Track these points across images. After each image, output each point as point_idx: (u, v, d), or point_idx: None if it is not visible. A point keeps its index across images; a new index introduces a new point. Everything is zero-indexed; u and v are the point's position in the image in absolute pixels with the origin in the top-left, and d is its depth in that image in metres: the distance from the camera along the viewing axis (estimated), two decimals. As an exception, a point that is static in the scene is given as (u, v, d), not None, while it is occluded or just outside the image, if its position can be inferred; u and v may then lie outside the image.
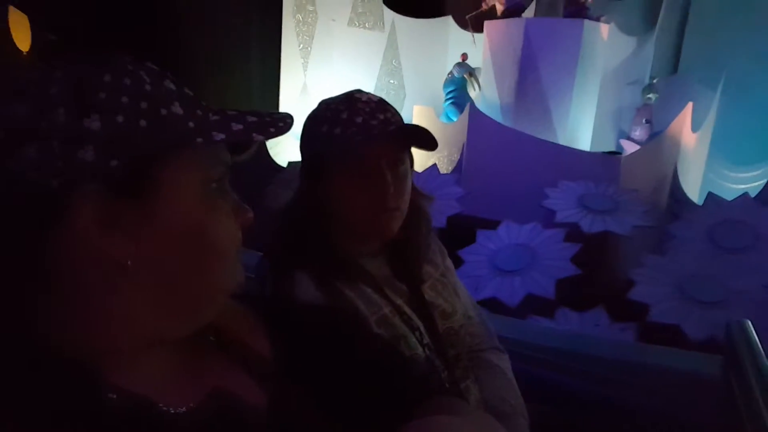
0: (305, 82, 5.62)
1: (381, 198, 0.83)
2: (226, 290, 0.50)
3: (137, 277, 0.43)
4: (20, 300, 0.42)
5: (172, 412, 0.45)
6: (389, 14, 5.66)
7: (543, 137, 3.66)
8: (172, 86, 0.45)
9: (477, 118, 3.62)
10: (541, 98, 3.72)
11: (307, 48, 5.60)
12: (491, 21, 3.96)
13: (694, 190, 3.91)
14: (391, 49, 5.72)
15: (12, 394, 0.40)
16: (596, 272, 2.86)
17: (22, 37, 3.71)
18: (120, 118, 0.41)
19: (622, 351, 1.35)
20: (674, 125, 3.49)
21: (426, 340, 0.89)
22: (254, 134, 0.47)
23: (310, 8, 5.46)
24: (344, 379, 0.56)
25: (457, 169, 3.90)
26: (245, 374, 0.53)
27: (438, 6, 6.01)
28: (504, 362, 1.04)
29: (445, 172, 3.91)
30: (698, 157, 3.96)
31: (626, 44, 4.21)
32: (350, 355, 0.59)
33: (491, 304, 2.68)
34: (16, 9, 3.68)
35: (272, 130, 0.48)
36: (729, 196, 3.19)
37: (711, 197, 3.24)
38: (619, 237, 3.07)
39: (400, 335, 0.87)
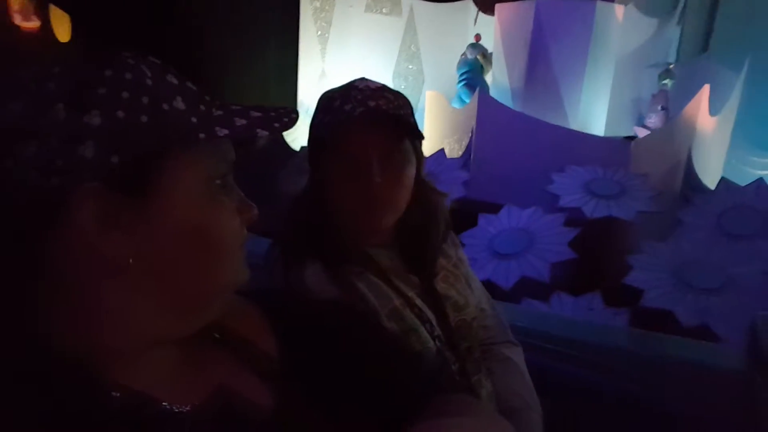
0: (323, 69, 5.69)
1: (366, 188, 0.81)
2: (229, 288, 0.49)
3: (139, 275, 0.42)
4: (22, 299, 0.41)
5: (176, 410, 0.45)
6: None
7: (554, 122, 3.62)
8: (175, 81, 0.44)
9: (486, 103, 3.61)
10: (552, 83, 3.67)
11: (325, 35, 5.66)
12: (502, 3, 3.91)
13: (715, 175, 3.79)
14: (409, 34, 5.71)
15: (15, 393, 0.40)
16: (596, 257, 2.84)
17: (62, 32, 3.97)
18: (121, 114, 0.40)
19: (641, 342, 1.32)
20: (688, 109, 3.39)
21: (437, 332, 0.88)
22: (258, 130, 0.46)
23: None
24: (352, 376, 0.55)
25: (467, 153, 3.90)
26: (250, 372, 0.52)
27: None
28: (517, 355, 1.03)
29: (454, 156, 3.93)
30: (719, 142, 3.84)
31: (646, 26, 4.08)
32: (359, 350, 0.58)
33: (486, 287, 2.70)
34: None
35: (277, 125, 0.47)
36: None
37: (723, 183, 3.16)
38: (624, 222, 3.04)
39: (410, 328, 0.86)
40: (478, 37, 4.24)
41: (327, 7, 5.59)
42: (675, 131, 3.37)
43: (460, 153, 4.00)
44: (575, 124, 3.74)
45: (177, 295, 0.45)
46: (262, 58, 5.36)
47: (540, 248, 2.68)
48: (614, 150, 3.38)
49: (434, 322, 0.88)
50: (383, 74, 5.66)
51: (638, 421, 1.18)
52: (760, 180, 2.99)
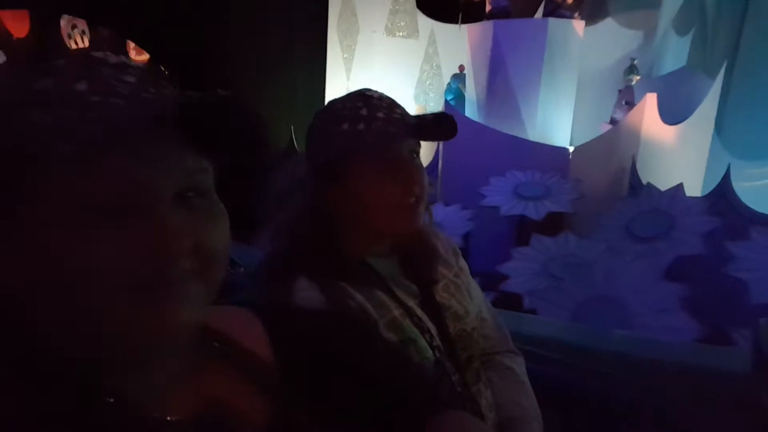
0: (348, 87, 6.32)
1: (408, 189, 0.82)
2: (128, 339, 0.41)
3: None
4: (22, 298, 0.40)
5: (168, 420, 0.44)
6: (427, 22, 6.11)
7: (512, 132, 3.88)
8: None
9: (451, 114, 3.99)
10: (510, 96, 3.92)
11: (350, 57, 6.31)
12: (472, 24, 4.25)
13: (695, 183, 3.77)
14: (429, 55, 6.16)
15: (10, 393, 0.40)
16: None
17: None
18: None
19: (644, 348, 1.30)
20: (631, 117, 3.48)
21: (436, 342, 0.87)
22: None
23: (353, 21, 6.18)
24: (350, 389, 0.54)
25: (434, 161, 4.28)
26: (248, 384, 0.51)
27: (477, 12, 6.29)
28: (518, 365, 1.02)
29: (425, 163, 4.33)
30: (691, 150, 3.81)
31: (624, 39, 4.18)
32: (357, 363, 0.56)
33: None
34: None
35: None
36: (740, 191, 3.12)
37: (648, 188, 3.22)
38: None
39: (409, 338, 0.85)
40: (462, 67, 4.59)
41: (351, 33, 6.25)
42: (616, 140, 3.47)
43: (430, 158, 4.39)
44: (533, 133, 3.95)
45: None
46: (292, 78, 6.15)
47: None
48: (554, 157, 3.57)
49: (434, 332, 0.88)
50: (405, 93, 6.15)
51: (642, 429, 1.17)
52: (679, 185, 3.04)
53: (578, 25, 3.89)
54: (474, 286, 1.02)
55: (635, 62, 3.79)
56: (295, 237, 0.89)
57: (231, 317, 0.56)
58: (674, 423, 1.15)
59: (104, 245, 0.38)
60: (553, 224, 3.38)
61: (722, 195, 3.17)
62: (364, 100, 0.84)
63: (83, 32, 8.13)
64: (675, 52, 4.51)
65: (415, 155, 0.85)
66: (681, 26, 4.52)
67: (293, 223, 0.91)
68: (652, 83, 4.02)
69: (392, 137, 0.81)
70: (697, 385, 1.16)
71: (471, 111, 4.32)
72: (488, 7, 4.18)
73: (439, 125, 0.82)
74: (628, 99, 3.83)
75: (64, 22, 7.90)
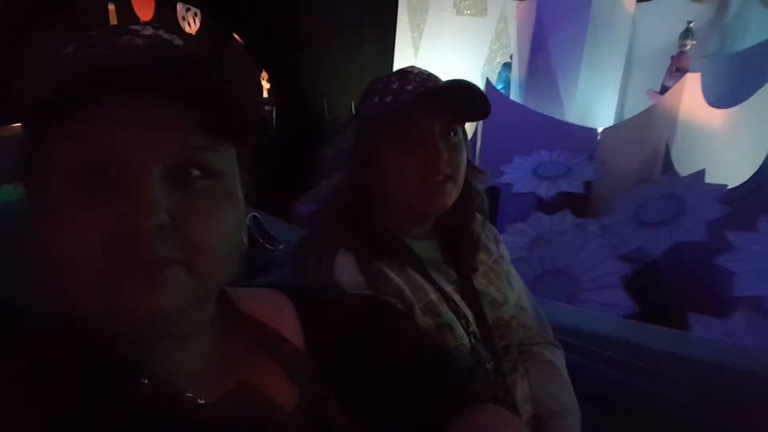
0: (416, 65, 6.38)
1: (432, 165, 0.80)
2: (104, 319, 0.39)
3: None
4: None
5: (199, 402, 0.45)
6: (497, 0, 5.99)
7: (550, 111, 3.83)
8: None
9: (490, 92, 4.04)
10: (550, 74, 3.83)
11: (419, 35, 6.41)
12: (521, 2, 4.18)
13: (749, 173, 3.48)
14: (499, 32, 6.05)
15: (47, 373, 0.40)
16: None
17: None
18: None
19: (691, 347, 1.24)
20: (666, 99, 3.27)
21: (473, 329, 0.85)
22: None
23: (423, 2, 6.25)
24: (382, 376, 0.52)
25: (473, 138, 4.35)
26: (278, 368, 0.51)
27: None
28: (558, 357, 1.00)
29: (465, 140, 4.42)
30: (746, 136, 3.50)
31: (685, 13, 3.87)
32: (389, 349, 0.55)
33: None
34: None
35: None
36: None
37: (669, 173, 3.05)
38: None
39: (445, 324, 0.83)
40: (512, 56, 4.53)
41: (421, 12, 6.35)
42: (648, 123, 3.30)
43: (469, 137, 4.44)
44: (571, 114, 3.84)
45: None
46: (361, 55, 6.42)
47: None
48: (582, 137, 3.49)
49: (470, 318, 0.86)
50: (472, 72, 6.14)
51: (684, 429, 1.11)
52: (700, 172, 2.85)
53: (628, 0, 3.69)
54: (514, 274, 1.01)
55: (691, 25, 3.51)
56: (333, 214, 0.88)
57: (263, 299, 0.55)
58: (719, 425, 1.07)
59: (77, 218, 0.36)
60: (577, 205, 3.36)
61: (760, 183, 2.93)
62: (400, 74, 0.84)
63: (195, 14, 9.14)
64: (763, 26, 4.05)
65: (452, 133, 0.83)
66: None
67: (332, 200, 0.91)
68: (716, 62, 3.71)
69: (416, 108, 0.79)
70: (746, 390, 1.09)
71: (515, 91, 4.30)
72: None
73: (462, 94, 0.79)
74: (680, 66, 3.57)
75: (180, 6, 8.95)
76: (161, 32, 0.41)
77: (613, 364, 1.16)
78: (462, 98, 0.80)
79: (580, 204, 3.41)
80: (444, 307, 0.84)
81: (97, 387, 0.41)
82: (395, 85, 0.82)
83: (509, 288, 0.95)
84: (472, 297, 0.89)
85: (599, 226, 2.56)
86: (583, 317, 1.31)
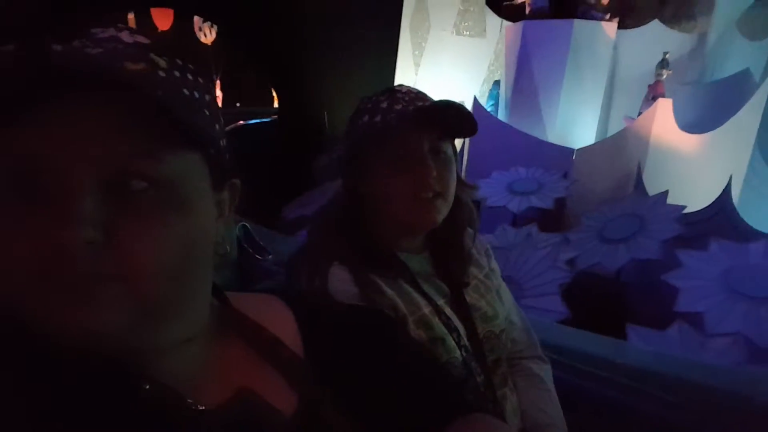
0: (416, 82, 6.63)
1: (422, 182, 0.82)
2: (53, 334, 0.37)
3: None
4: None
5: (200, 408, 0.44)
6: (497, 20, 6.18)
7: (532, 130, 3.99)
8: None
9: (479, 111, 4.21)
10: (533, 95, 4.00)
11: (419, 53, 6.61)
12: (510, 24, 4.36)
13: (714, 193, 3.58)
14: (498, 55, 6.24)
15: (46, 378, 0.40)
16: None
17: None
18: None
19: (674, 366, 1.25)
20: (639, 122, 3.40)
21: (464, 342, 0.87)
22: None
23: (424, 18, 6.46)
24: (375, 386, 0.52)
25: (460, 153, 4.50)
26: (277, 374, 0.51)
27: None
28: (546, 372, 1.01)
29: (453, 156, 4.58)
30: (719, 161, 3.62)
31: (669, 42, 4.02)
32: (384, 359, 0.55)
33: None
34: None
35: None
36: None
37: (635, 193, 3.17)
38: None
39: (438, 337, 0.84)
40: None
41: (422, 31, 6.57)
42: (621, 144, 3.44)
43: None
44: (553, 133, 4.00)
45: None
46: (362, 71, 6.63)
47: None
48: (558, 156, 3.62)
49: (462, 332, 0.87)
50: (470, 90, 6.31)
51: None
52: (664, 193, 2.97)
53: (609, 27, 3.84)
54: (504, 288, 1.02)
55: (667, 56, 3.66)
56: (328, 227, 0.90)
57: (261, 304, 0.55)
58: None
59: (6, 230, 0.35)
60: (552, 222, 3.49)
61: (722, 207, 3.04)
62: (389, 94, 0.85)
63: (211, 25, 9.53)
64: (743, 57, 4.18)
65: (441, 150, 0.84)
66: (753, 31, 4.17)
67: (328, 214, 0.92)
68: (692, 90, 3.84)
69: (405, 128, 0.80)
70: (734, 410, 1.09)
71: (501, 110, 4.47)
72: (527, 9, 4.29)
73: (450, 113, 0.81)
74: (656, 94, 3.72)
75: (197, 17, 9.36)
76: (123, 33, 0.40)
77: (597, 379, 1.17)
78: (450, 117, 0.83)
79: (554, 220, 3.54)
80: (436, 321, 0.85)
81: (98, 392, 0.40)
82: (384, 104, 0.83)
83: (499, 302, 0.96)
84: (464, 310, 0.90)
85: (560, 240, 2.69)
86: (570, 335, 1.35)
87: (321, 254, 0.86)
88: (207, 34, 9.83)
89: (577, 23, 3.78)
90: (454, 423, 0.51)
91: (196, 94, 0.41)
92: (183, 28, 9.65)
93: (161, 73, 0.39)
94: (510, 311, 0.98)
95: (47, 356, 0.39)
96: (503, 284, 1.01)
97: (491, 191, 3.54)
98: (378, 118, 0.82)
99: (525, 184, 3.52)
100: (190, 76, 0.42)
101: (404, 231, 0.89)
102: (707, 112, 3.68)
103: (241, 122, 7.30)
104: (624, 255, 2.72)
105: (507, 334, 0.95)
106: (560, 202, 3.53)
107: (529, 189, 3.47)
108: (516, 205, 3.47)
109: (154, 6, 9.03)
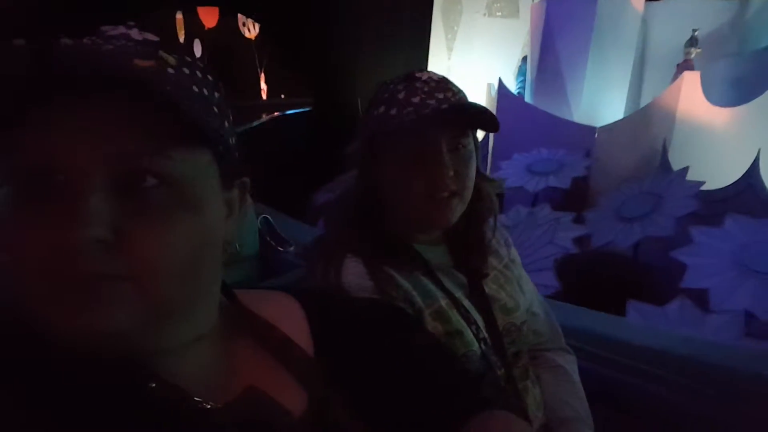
0: (449, 66, 6.61)
1: (438, 182, 0.79)
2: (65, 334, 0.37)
3: None
4: None
5: (207, 407, 0.44)
6: (529, 1, 6.04)
7: (557, 110, 3.94)
8: None
9: (503, 92, 4.20)
10: (557, 74, 3.91)
11: (452, 37, 6.56)
12: (536, 2, 4.28)
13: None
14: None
15: (55, 378, 0.39)
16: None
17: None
18: None
19: (713, 353, 1.15)
20: (664, 97, 3.28)
21: (483, 335, 0.84)
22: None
23: (457, 2, 6.40)
24: (389, 383, 0.51)
25: (485, 137, 4.50)
26: (286, 373, 0.50)
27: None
28: (570, 363, 0.98)
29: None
30: (751, 135, 3.45)
31: (706, 12, 3.82)
32: (398, 355, 0.54)
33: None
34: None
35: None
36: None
37: (657, 171, 3.07)
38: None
39: (455, 330, 0.82)
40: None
41: (455, 14, 6.52)
42: (645, 121, 3.34)
43: (481, 136, 4.59)
44: (578, 112, 3.91)
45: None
46: (395, 56, 6.67)
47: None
48: (581, 135, 3.56)
49: (481, 324, 0.85)
50: (504, 72, 6.23)
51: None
52: (684, 169, 2.87)
53: (637, 1, 3.71)
54: (526, 279, 0.99)
55: (696, 34, 3.50)
56: (343, 219, 0.88)
57: (272, 302, 0.55)
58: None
59: (20, 228, 0.36)
60: (576, 201, 3.46)
61: (749, 183, 2.92)
62: (407, 83, 0.81)
63: (254, 21, 9.85)
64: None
65: (460, 146, 0.81)
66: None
67: (343, 205, 0.90)
68: (728, 62, 3.66)
69: (422, 126, 0.77)
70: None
71: (529, 86, 4.42)
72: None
73: (468, 112, 0.78)
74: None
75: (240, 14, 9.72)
76: (132, 31, 0.40)
77: (623, 368, 1.11)
78: (469, 115, 0.80)
79: (578, 199, 3.51)
80: (454, 313, 0.83)
81: (104, 391, 0.40)
82: (401, 95, 0.79)
83: (520, 293, 0.93)
84: (483, 302, 0.88)
85: (561, 217, 2.69)
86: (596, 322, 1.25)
87: (336, 246, 0.85)
88: (250, 30, 10.18)
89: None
90: (471, 422, 0.49)
91: (206, 92, 0.41)
92: (228, 24, 10.05)
93: (170, 70, 0.38)
94: (532, 302, 0.96)
95: (53, 356, 0.39)
96: (524, 274, 0.99)
97: (509, 173, 3.55)
98: (394, 111, 0.79)
99: (545, 164, 3.50)
100: (199, 74, 0.41)
101: (418, 224, 0.87)
102: (740, 84, 3.49)
103: (276, 113, 7.53)
104: (638, 233, 2.69)
105: (528, 326, 0.92)
106: (582, 182, 3.48)
107: (549, 169, 3.45)
108: (534, 185, 3.46)
109: (201, 5, 9.46)
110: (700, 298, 2.15)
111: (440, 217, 0.82)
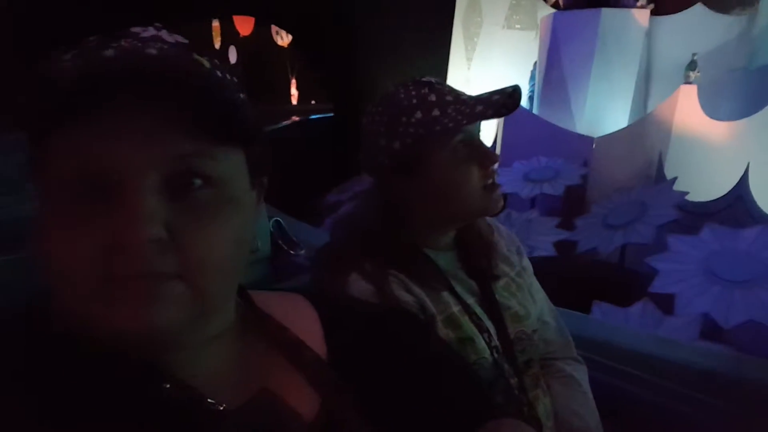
0: (468, 77, 6.74)
1: (490, 170, 0.82)
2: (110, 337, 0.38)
3: None
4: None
5: (220, 409, 0.44)
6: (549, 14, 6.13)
7: (561, 121, 4.04)
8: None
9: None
10: (562, 85, 4.01)
11: (472, 48, 6.68)
12: (544, 15, 4.38)
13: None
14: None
15: (67, 376, 0.40)
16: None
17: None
18: None
19: (720, 362, 1.14)
20: (660, 110, 3.34)
21: (495, 342, 0.84)
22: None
23: (477, 14, 6.53)
24: (401, 389, 0.51)
25: (493, 145, 4.63)
26: (301, 377, 0.50)
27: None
28: (581, 373, 0.98)
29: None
30: (749, 149, 3.47)
31: (711, 27, 3.86)
32: (410, 361, 0.54)
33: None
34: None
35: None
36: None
37: (647, 180, 3.13)
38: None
39: (467, 337, 0.82)
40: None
41: (475, 26, 6.66)
42: (641, 132, 3.40)
43: (489, 144, 4.71)
44: (581, 123, 4.00)
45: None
46: (415, 65, 6.84)
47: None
48: (579, 144, 3.65)
49: (492, 332, 0.85)
50: (523, 81, 6.34)
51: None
52: (671, 180, 2.93)
53: (641, 14, 3.77)
54: (537, 287, 0.99)
55: (695, 57, 3.56)
56: (359, 225, 0.88)
57: (286, 304, 0.55)
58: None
59: (70, 231, 0.36)
60: (573, 209, 3.56)
61: (739, 196, 2.96)
62: (428, 86, 0.82)
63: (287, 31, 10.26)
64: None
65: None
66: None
67: (359, 212, 0.91)
68: (732, 76, 3.69)
69: (470, 119, 0.78)
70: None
71: (535, 98, 4.53)
72: (562, -1, 4.31)
73: (512, 98, 0.80)
74: (687, 94, 3.62)
75: (273, 23, 10.14)
76: (163, 33, 0.41)
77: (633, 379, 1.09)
78: (514, 97, 0.82)
79: (575, 207, 3.60)
80: (466, 320, 0.84)
81: (118, 391, 0.41)
82: (432, 98, 0.81)
83: (531, 301, 0.94)
84: (494, 310, 0.88)
85: (533, 220, 2.80)
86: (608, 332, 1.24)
87: (347, 252, 0.86)
88: (283, 38, 10.59)
89: (605, 12, 3.76)
90: (483, 427, 0.50)
91: (237, 93, 0.42)
92: (262, 33, 10.49)
93: (206, 73, 0.40)
94: (543, 311, 0.96)
95: (69, 357, 0.40)
96: (536, 283, 0.99)
97: (506, 180, 3.66)
98: (436, 112, 0.80)
99: (542, 172, 3.60)
100: (228, 76, 0.42)
101: (452, 226, 0.88)
102: (744, 99, 3.52)
103: (295, 117, 7.79)
104: (619, 240, 2.78)
105: (539, 335, 0.93)
106: (576, 190, 3.57)
107: (545, 177, 3.56)
108: (528, 192, 3.57)
109: (237, 14, 9.91)
110: (666, 302, 2.23)
111: (497, 203, 0.84)
